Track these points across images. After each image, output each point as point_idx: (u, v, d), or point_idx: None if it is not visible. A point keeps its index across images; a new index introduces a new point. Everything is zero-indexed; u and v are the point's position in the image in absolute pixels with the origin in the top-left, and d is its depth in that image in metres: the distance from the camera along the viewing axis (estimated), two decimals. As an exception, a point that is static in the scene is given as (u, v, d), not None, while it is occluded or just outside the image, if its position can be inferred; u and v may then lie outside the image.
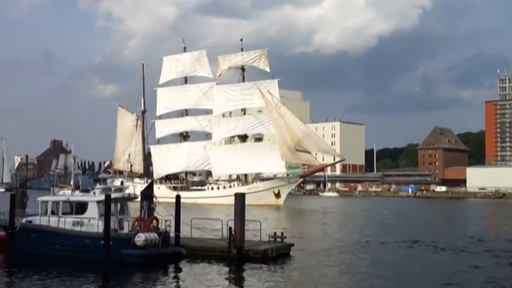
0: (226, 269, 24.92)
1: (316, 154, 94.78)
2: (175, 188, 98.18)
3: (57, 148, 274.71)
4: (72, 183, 31.70)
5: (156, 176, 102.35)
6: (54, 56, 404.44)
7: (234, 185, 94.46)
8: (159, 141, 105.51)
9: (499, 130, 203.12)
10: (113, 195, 26.53)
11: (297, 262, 27.07)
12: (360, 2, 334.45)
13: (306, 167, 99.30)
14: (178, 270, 24.97)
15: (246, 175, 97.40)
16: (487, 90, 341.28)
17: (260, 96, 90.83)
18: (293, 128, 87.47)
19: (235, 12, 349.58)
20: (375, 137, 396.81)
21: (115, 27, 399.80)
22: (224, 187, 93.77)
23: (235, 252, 25.65)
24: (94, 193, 28.19)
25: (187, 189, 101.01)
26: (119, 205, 27.40)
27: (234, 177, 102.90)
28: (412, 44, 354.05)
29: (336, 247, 32.98)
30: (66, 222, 26.79)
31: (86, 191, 29.81)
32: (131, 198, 28.53)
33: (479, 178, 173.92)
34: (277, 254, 26.78)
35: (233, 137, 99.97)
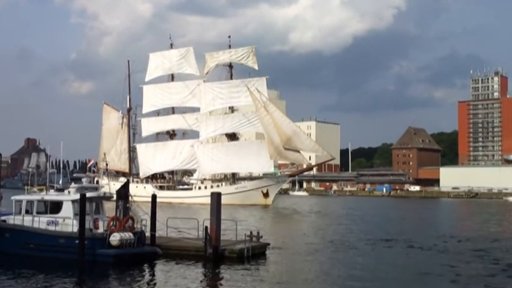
0: (202, 269, 24.96)
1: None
2: (161, 188, 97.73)
3: (31, 146, 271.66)
4: (60, 182, 31.29)
5: (142, 174, 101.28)
6: (29, 52, 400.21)
7: (221, 184, 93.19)
8: (144, 140, 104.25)
9: (471, 130, 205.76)
10: (88, 195, 26.38)
11: (272, 261, 27.23)
12: (335, 2, 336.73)
13: (295, 165, 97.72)
14: (153, 269, 24.94)
15: (233, 174, 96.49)
16: (459, 91, 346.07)
17: (248, 94, 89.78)
18: (281, 126, 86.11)
19: (211, 11, 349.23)
20: (350, 136, 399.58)
21: (90, 23, 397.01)
22: (212, 186, 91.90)
23: (211, 252, 25.69)
24: (69, 192, 28.01)
25: (174, 188, 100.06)
26: (94, 204, 27.27)
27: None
28: (386, 43, 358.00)
29: (311, 246, 33.19)
30: (41, 222, 26.57)
31: (60, 190, 29.53)
32: (107, 197, 28.40)
33: (452, 178, 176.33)
34: (253, 253, 26.86)
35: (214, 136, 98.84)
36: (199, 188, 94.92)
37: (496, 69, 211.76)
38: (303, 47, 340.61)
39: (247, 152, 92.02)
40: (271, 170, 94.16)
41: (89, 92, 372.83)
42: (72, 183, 29.84)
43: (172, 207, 72.29)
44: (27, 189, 31.07)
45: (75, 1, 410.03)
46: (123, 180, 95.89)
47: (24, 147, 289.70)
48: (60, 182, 30.93)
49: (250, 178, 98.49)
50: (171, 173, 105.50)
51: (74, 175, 31.88)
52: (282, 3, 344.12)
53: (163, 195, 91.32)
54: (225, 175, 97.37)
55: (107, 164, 48.55)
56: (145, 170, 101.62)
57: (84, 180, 28.84)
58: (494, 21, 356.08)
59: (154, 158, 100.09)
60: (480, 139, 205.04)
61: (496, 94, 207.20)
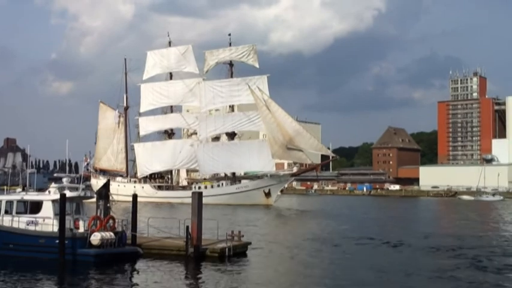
0: (183, 268, 25.01)
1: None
2: (160, 188, 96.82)
3: (10, 146, 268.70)
4: (51, 182, 31.02)
5: (140, 174, 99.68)
6: (9, 51, 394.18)
7: (222, 184, 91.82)
8: (142, 139, 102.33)
9: (450, 130, 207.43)
10: (68, 194, 26.28)
11: (253, 260, 27.33)
12: (316, 3, 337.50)
13: (297, 164, 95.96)
14: (134, 269, 24.92)
15: (234, 174, 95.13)
16: (437, 91, 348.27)
17: (249, 92, 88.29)
18: (284, 125, 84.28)
19: (191, 11, 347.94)
20: (331, 136, 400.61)
21: (70, 24, 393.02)
22: (212, 186, 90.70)
23: (192, 251, 25.75)
24: (49, 192, 27.87)
25: (172, 188, 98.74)
26: (74, 204, 27.18)
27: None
28: (366, 45, 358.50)
29: (292, 245, 33.36)
30: (20, 222, 26.41)
31: (40, 190, 29.37)
32: (87, 197, 28.30)
33: (431, 177, 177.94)
34: (234, 252, 26.97)
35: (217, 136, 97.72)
36: (199, 187, 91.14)
37: (475, 70, 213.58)
38: (283, 47, 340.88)
39: (248, 152, 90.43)
40: (273, 169, 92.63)
41: (69, 92, 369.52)
42: (52, 183, 29.71)
43: (171, 206, 72.06)
44: (6, 190, 30.85)
45: (56, 1, 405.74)
46: (119, 180, 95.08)
47: (3, 147, 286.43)
48: (53, 182, 30.62)
49: (239, 178, 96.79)
50: (170, 172, 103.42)
51: (55, 175, 31.69)
52: (263, 4, 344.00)
53: (163, 195, 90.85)
54: (225, 175, 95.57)
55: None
56: (143, 169, 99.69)
57: (64, 180, 28.70)
58: (473, 23, 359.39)
59: (152, 158, 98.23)
60: (459, 139, 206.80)
61: (475, 94, 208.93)
